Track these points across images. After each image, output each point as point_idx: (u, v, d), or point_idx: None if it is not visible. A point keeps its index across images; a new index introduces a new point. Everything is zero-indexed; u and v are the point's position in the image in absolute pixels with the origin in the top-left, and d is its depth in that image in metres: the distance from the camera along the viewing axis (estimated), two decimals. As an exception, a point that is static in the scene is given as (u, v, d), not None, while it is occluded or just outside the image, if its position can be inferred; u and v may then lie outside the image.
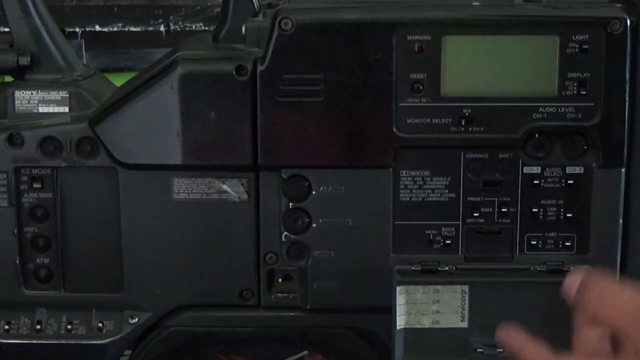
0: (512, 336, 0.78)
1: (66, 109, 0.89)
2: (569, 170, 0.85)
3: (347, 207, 0.86)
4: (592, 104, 0.83)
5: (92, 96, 0.89)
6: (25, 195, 0.88)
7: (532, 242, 0.86)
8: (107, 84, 0.94)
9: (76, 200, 0.88)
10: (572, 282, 0.76)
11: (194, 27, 1.70)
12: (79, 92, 0.89)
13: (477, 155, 0.85)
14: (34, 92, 0.89)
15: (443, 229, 0.87)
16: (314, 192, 0.86)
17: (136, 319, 0.89)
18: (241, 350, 0.92)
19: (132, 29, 1.69)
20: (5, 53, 0.89)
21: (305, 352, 0.92)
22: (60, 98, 0.89)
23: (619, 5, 0.83)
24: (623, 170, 0.85)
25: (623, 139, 0.84)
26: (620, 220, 0.85)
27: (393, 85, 0.83)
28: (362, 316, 0.89)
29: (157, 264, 0.88)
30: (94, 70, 0.94)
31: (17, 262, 0.89)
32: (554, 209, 0.85)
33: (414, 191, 0.86)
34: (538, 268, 0.86)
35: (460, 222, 0.86)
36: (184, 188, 0.86)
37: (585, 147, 0.85)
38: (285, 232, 0.87)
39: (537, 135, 0.84)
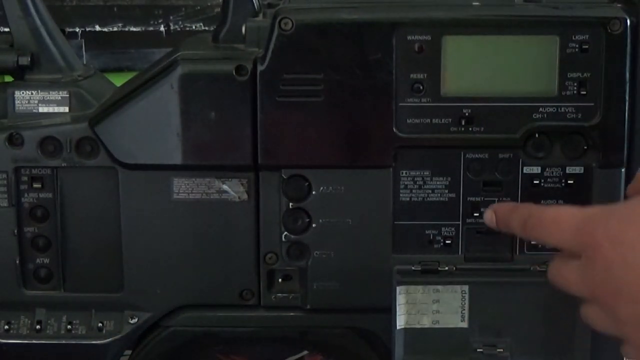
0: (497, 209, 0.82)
1: (66, 109, 0.89)
2: (569, 170, 0.85)
3: (347, 207, 0.86)
4: (592, 104, 0.83)
5: (92, 96, 0.89)
6: (25, 195, 0.88)
7: (532, 242, 0.86)
8: (107, 84, 0.94)
9: (76, 200, 0.88)
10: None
11: (194, 27, 1.70)
12: (79, 92, 0.89)
13: (477, 155, 0.85)
14: (34, 92, 0.89)
15: (443, 229, 0.87)
16: (314, 192, 0.86)
17: (136, 319, 0.89)
18: (241, 350, 0.92)
19: (132, 29, 1.69)
20: (5, 53, 0.89)
21: (305, 352, 0.92)
22: (60, 98, 0.89)
23: (619, 5, 0.83)
24: (623, 170, 0.85)
25: (623, 139, 0.84)
26: (620, 220, 0.85)
27: (393, 85, 0.83)
28: (362, 316, 0.89)
29: (157, 264, 0.88)
30: (94, 70, 0.94)
31: (17, 262, 0.89)
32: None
33: (414, 191, 0.86)
34: (538, 268, 0.86)
35: (460, 222, 0.86)
36: (184, 188, 0.86)
37: (585, 147, 0.85)
38: (285, 232, 0.87)
39: (537, 135, 0.84)
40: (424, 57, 0.83)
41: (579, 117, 0.84)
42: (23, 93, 0.89)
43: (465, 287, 0.85)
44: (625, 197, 0.82)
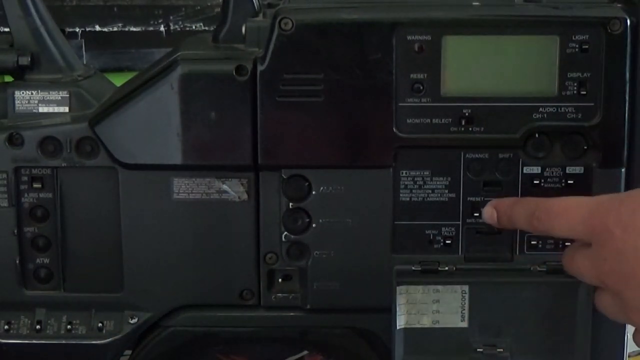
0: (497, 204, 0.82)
1: (66, 109, 0.89)
2: (569, 170, 0.85)
3: (347, 207, 0.86)
4: (592, 104, 0.83)
5: (92, 96, 0.89)
6: (25, 195, 0.88)
7: (532, 242, 0.86)
8: (107, 84, 0.94)
9: (76, 200, 0.88)
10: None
11: (194, 27, 1.70)
12: (79, 92, 0.89)
13: (477, 155, 0.85)
14: (34, 92, 0.89)
15: (443, 229, 0.87)
16: (314, 192, 0.86)
17: (136, 319, 0.89)
18: (241, 350, 0.92)
19: (132, 29, 1.69)
20: (5, 53, 0.89)
21: (305, 352, 0.92)
22: (60, 98, 0.89)
23: (619, 5, 0.83)
24: (623, 170, 0.85)
25: (623, 139, 0.84)
26: (620, 220, 0.85)
27: (393, 85, 0.83)
28: (362, 316, 0.89)
29: (157, 264, 0.88)
30: (94, 70, 0.94)
31: (17, 262, 0.89)
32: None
33: (414, 191, 0.86)
34: (538, 268, 0.86)
35: (460, 222, 0.86)
36: (184, 188, 0.86)
37: (585, 147, 0.85)
38: (285, 232, 0.87)
39: (537, 135, 0.84)
40: (424, 57, 0.83)
41: (579, 117, 0.84)
42: (23, 93, 0.89)
43: (465, 287, 0.85)
44: None
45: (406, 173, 0.86)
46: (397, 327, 0.85)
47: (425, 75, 0.83)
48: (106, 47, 1.67)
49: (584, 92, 0.83)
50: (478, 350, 0.85)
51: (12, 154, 0.87)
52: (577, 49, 0.83)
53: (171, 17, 1.69)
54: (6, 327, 0.89)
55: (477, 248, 0.87)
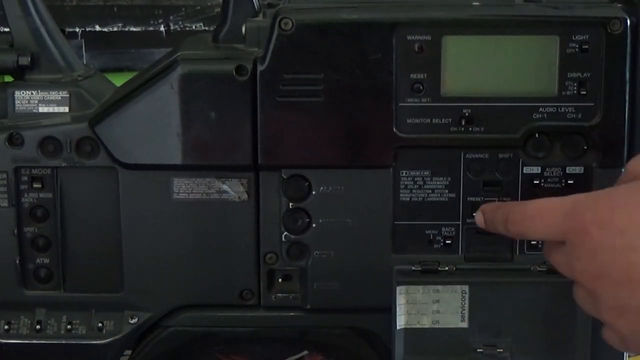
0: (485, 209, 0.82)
1: (66, 109, 0.89)
2: (569, 170, 0.85)
3: (347, 207, 0.86)
4: (592, 104, 0.83)
5: (92, 96, 0.89)
6: (25, 195, 0.88)
7: (532, 242, 0.86)
8: (107, 84, 0.94)
9: (76, 200, 0.88)
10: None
11: (194, 27, 1.70)
12: (79, 92, 0.89)
13: (477, 155, 0.85)
14: (34, 92, 0.89)
15: (443, 229, 0.87)
16: (314, 192, 0.86)
17: (136, 319, 0.89)
18: (241, 350, 0.92)
19: (132, 29, 1.69)
20: (5, 53, 0.89)
21: (305, 352, 0.92)
22: (60, 98, 0.89)
23: (619, 5, 0.83)
24: (623, 170, 0.84)
25: (623, 139, 0.84)
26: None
27: (393, 85, 0.83)
28: (362, 316, 0.89)
29: (157, 264, 0.88)
30: (94, 70, 0.94)
31: (17, 262, 0.89)
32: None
33: (414, 191, 0.86)
34: (538, 268, 0.86)
35: (460, 222, 0.86)
36: (184, 188, 0.86)
37: (585, 147, 0.85)
38: (285, 232, 0.87)
39: (537, 135, 0.84)
40: (424, 57, 0.83)
41: (579, 117, 0.84)
42: (23, 93, 0.89)
43: (465, 287, 0.85)
44: None
45: (406, 173, 0.86)
46: (397, 327, 0.85)
47: (425, 75, 0.83)
48: (106, 47, 1.68)
49: (584, 92, 0.83)
50: (478, 350, 0.85)
51: (12, 154, 0.87)
52: (577, 49, 0.83)
53: (171, 17, 1.69)
54: (6, 327, 0.89)
55: (477, 248, 0.87)
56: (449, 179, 0.86)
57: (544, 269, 0.85)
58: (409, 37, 0.83)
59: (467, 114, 0.84)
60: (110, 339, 0.89)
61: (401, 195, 0.86)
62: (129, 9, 1.69)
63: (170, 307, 0.89)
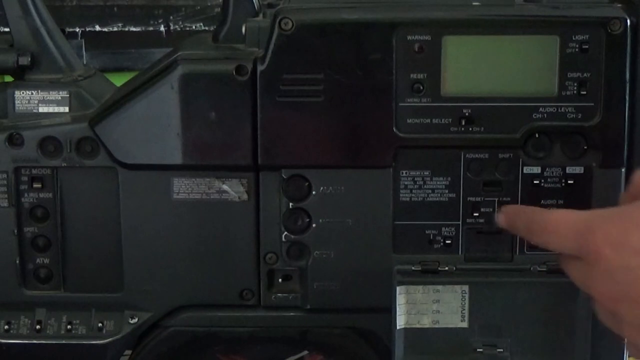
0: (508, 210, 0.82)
1: (66, 109, 0.89)
2: (569, 170, 0.85)
3: (347, 207, 0.86)
4: (592, 104, 0.83)
5: (92, 96, 0.89)
6: (25, 195, 0.88)
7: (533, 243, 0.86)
8: (107, 84, 0.94)
9: (76, 200, 0.88)
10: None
11: (194, 27, 1.70)
12: (79, 92, 0.89)
13: (477, 155, 0.85)
14: (34, 92, 0.89)
15: (443, 229, 0.86)
16: (314, 192, 0.86)
17: (136, 319, 0.89)
18: (241, 350, 0.92)
19: (132, 29, 1.69)
20: (5, 53, 0.89)
21: (306, 352, 0.92)
22: (60, 98, 0.89)
23: (619, 5, 0.83)
24: (623, 170, 0.85)
25: (623, 139, 0.84)
26: (620, 220, 0.85)
27: (393, 85, 0.83)
28: (362, 316, 0.89)
29: (157, 264, 0.88)
30: (94, 70, 0.94)
31: (17, 262, 0.89)
32: (554, 209, 0.85)
33: (414, 191, 0.86)
34: (538, 268, 0.86)
35: (460, 222, 0.86)
36: (184, 188, 0.86)
37: (585, 147, 0.85)
38: (285, 232, 0.87)
39: (537, 135, 0.84)
40: (424, 57, 0.83)
41: (579, 117, 0.84)
42: (23, 93, 0.89)
43: (465, 287, 0.85)
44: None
45: (406, 173, 0.86)
46: (397, 327, 0.85)
47: (425, 75, 0.83)
48: (106, 47, 1.67)
49: (584, 92, 0.83)
50: (478, 350, 0.85)
51: (12, 154, 0.87)
52: (577, 49, 0.83)
53: (171, 17, 1.69)
54: (6, 327, 0.89)
55: (477, 248, 0.87)
56: (449, 179, 0.86)
57: (544, 269, 0.85)
58: (409, 37, 0.83)
59: (467, 114, 0.84)
60: (110, 339, 0.89)
61: (401, 195, 0.86)
62: (129, 9, 1.69)
63: (170, 307, 0.89)
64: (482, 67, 0.83)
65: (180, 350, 0.90)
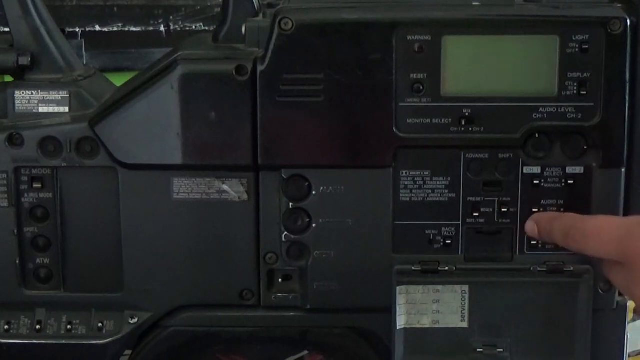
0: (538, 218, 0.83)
1: (66, 109, 0.89)
2: (569, 170, 0.85)
3: (347, 207, 0.86)
4: (592, 104, 0.83)
5: (92, 96, 0.89)
6: (25, 195, 0.88)
7: (532, 242, 0.86)
8: (107, 84, 0.94)
9: (76, 200, 0.88)
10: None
11: (194, 27, 1.70)
12: (79, 92, 0.89)
13: (477, 155, 0.85)
14: (34, 92, 0.89)
15: (443, 229, 0.87)
16: (314, 192, 0.86)
17: (136, 319, 0.89)
18: (241, 350, 0.92)
19: (132, 29, 1.69)
20: (5, 53, 0.89)
21: (306, 352, 0.92)
22: (60, 98, 0.89)
23: (619, 5, 0.83)
24: (623, 170, 0.85)
25: (623, 139, 0.84)
26: (620, 220, 0.85)
27: (393, 85, 0.83)
28: (362, 316, 0.89)
29: (157, 264, 0.88)
30: (94, 70, 0.94)
31: (17, 262, 0.89)
32: (554, 209, 0.85)
33: (414, 191, 0.86)
34: (538, 268, 0.86)
35: (460, 222, 0.86)
36: (184, 188, 0.86)
37: (585, 147, 0.85)
38: (285, 232, 0.87)
39: (537, 135, 0.84)
40: (424, 57, 0.83)
41: (579, 117, 0.84)
42: (23, 93, 0.89)
43: (465, 287, 0.85)
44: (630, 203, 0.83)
45: (406, 173, 0.86)
46: (397, 327, 0.85)
47: (425, 75, 0.83)
48: (106, 47, 1.67)
49: (584, 92, 0.83)
50: (478, 350, 0.85)
51: (12, 154, 0.87)
52: (577, 49, 0.83)
53: (171, 17, 1.69)
54: (6, 327, 0.89)
55: (477, 248, 0.87)
56: (449, 179, 0.86)
57: (544, 269, 0.85)
58: (409, 37, 0.83)
59: (467, 114, 0.84)
60: (110, 339, 0.89)
61: (401, 195, 0.86)
62: (129, 9, 1.69)
63: (170, 307, 0.89)
64: (482, 67, 0.83)
65: (180, 350, 0.90)
